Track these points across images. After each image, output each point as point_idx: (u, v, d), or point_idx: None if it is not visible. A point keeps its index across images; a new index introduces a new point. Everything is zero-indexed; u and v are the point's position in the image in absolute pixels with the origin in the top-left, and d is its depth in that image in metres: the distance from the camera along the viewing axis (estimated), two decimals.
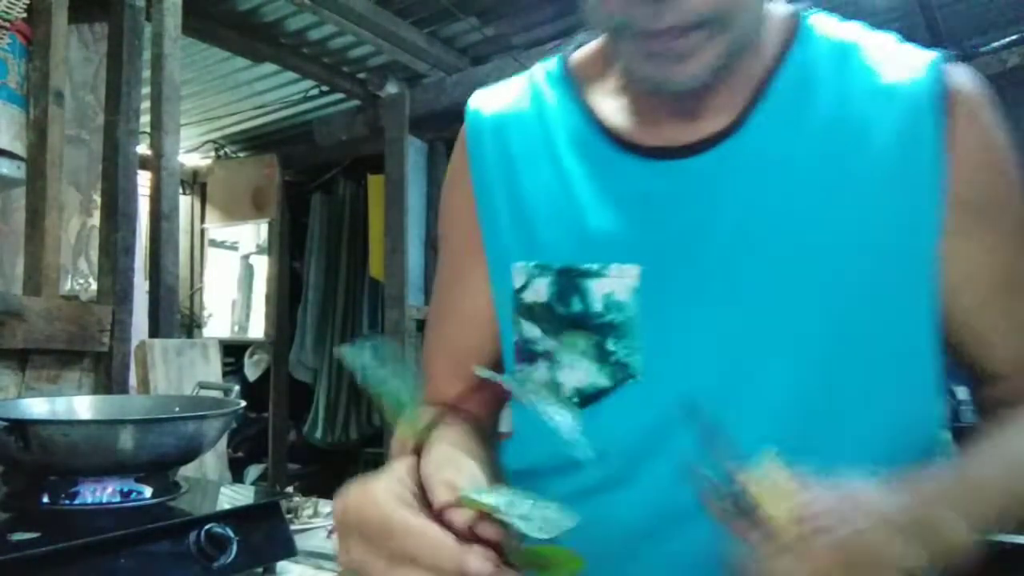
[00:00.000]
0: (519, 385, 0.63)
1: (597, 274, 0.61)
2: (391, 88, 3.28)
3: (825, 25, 0.65)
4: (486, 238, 0.69)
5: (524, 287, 0.65)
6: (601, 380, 0.61)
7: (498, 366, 0.70)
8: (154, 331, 1.73)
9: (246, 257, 4.48)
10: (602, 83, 0.68)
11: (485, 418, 0.73)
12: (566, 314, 0.62)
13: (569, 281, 0.62)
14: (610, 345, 0.60)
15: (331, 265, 4.30)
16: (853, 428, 0.57)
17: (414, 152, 3.42)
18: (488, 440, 0.66)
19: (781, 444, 0.56)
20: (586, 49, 0.72)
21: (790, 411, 0.57)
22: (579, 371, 0.62)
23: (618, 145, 0.64)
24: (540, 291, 0.64)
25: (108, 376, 1.56)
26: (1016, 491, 0.52)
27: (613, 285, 0.60)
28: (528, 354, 0.65)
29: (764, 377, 0.57)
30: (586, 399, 0.61)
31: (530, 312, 0.64)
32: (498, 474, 0.62)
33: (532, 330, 0.65)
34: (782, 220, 0.58)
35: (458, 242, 0.73)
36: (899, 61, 0.61)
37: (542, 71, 0.72)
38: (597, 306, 0.61)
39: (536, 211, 0.66)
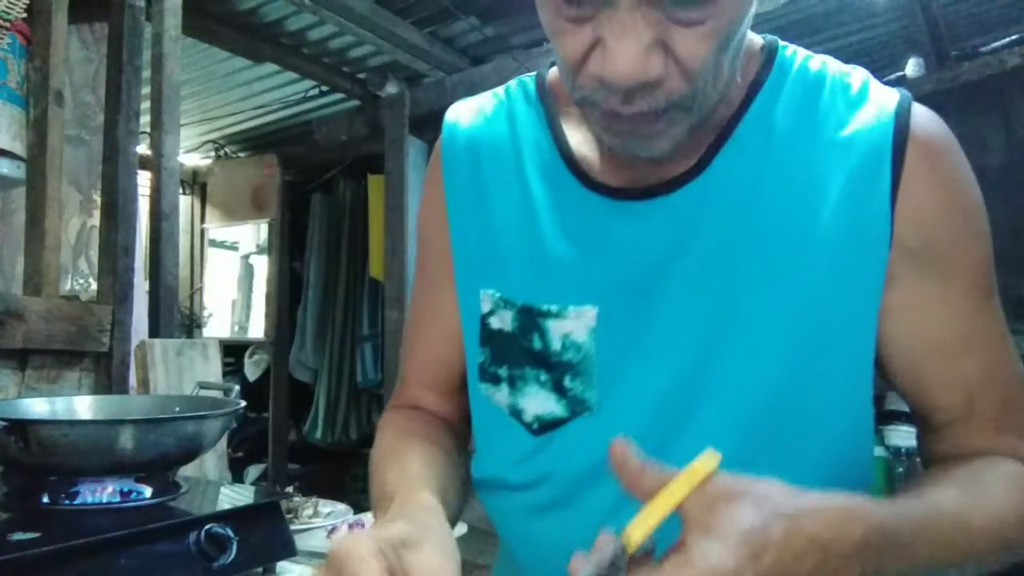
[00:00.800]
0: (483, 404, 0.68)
1: (556, 315, 0.63)
2: (391, 88, 3.28)
3: (795, 63, 0.64)
4: (456, 260, 0.70)
5: (491, 313, 0.67)
6: (559, 410, 0.63)
7: (466, 378, 0.72)
8: (154, 331, 1.73)
9: (246, 257, 4.48)
10: (574, 108, 0.69)
11: (456, 423, 0.76)
12: (528, 348, 0.65)
13: (530, 319, 0.64)
14: (567, 382, 0.63)
15: (331, 265, 4.30)
16: (792, 470, 0.58)
17: (414, 152, 3.42)
18: (452, 450, 0.70)
19: None
20: None
21: (734, 450, 0.58)
22: (539, 400, 0.64)
23: (584, 181, 0.64)
24: (505, 321, 0.66)
25: (108, 376, 1.56)
26: (936, 553, 0.51)
27: (571, 326, 0.63)
28: (492, 376, 0.67)
29: (712, 416, 0.59)
30: (544, 426, 0.64)
31: (495, 338, 0.67)
32: (459, 489, 0.66)
33: (497, 355, 0.67)
34: (738, 266, 0.59)
35: (432, 255, 0.74)
36: (861, 109, 0.60)
37: (520, 89, 0.73)
38: (556, 344, 0.63)
39: (504, 239, 0.67)
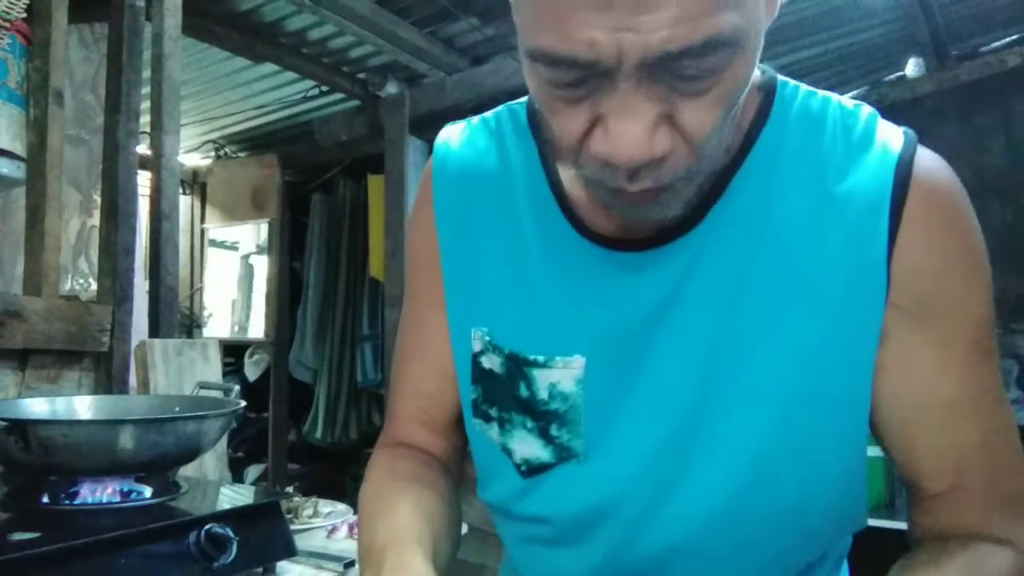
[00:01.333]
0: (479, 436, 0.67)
1: (543, 365, 0.62)
2: (391, 88, 3.28)
3: (796, 102, 0.61)
4: (448, 296, 0.68)
5: (482, 353, 0.65)
6: (545, 456, 0.63)
7: (460, 412, 0.71)
8: (154, 331, 1.73)
9: (246, 257, 4.48)
10: None
11: (449, 460, 0.74)
12: (514, 394, 0.63)
13: (516, 367, 0.63)
14: (553, 430, 0.62)
15: (331, 265, 4.30)
16: (784, 520, 0.58)
17: (414, 152, 3.42)
18: (445, 492, 0.68)
19: (711, 534, 0.58)
20: None
21: (722, 505, 0.58)
22: (525, 444, 0.63)
23: (578, 227, 0.62)
24: (495, 363, 0.65)
25: (108, 376, 1.56)
26: None
27: (558, 376, 0.61)
28: (484, 414, 0.66)
29: (705, 467, 0.58)
30: (531, 469, 0.64)
31: (487, 378, 0.65)
32: (452, 534, 0.65)
33: (488, 395, 0.66)
34: (732, 318, 0.57)
35: (423, 283, 0.72)
36: (862, 156, 0.58)
37: (510, 119, 0.69)
38: (543, 394, 0.62)
39: (493, 279, 0.65)
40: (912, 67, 2.80)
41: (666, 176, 0.50)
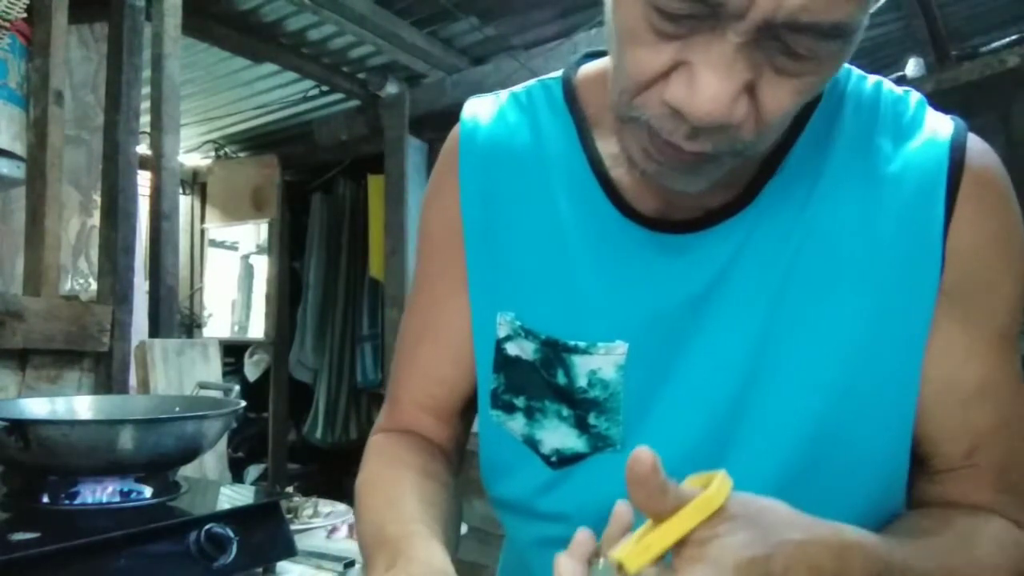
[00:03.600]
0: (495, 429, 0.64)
1: (584, 351, 0.59)
2: (391, 88, 3.28)
3: (848, 83, 0.60)
4: (472, 278, 0.65)
5: (508, 339, 0.62)
6: (579, 446, 0.60)
7: (471, 403, 0.68)
8: (154, 331, 1.73)
9: (246, 257, 4.48)
10: (609, 116, 0.61)
11: (451, 451, 0.71)
12: (550, 382, 0.61)
13: (554, 353, 0.60)
14: (591, 419, 0.59)
15: (331, 265, 4.30)
16: (827, 507, 0.56)
17: (414, 152, 3.42)
18: (448, 484, 0.65)
19: None
20: (592, 70, 0.65)
21: (769, 488, 0.55)
22: (558, 434, 0.61)
23: (620, 207, 0.60)
24: (525, 350, 0.62)
25: (108, 376, 1.56)
26: None
27: (599, 362, 0.59)
28: (505, 404, 0.63)
29: (744, 457, 0.56)
30: (563, 460, 0.61)
31: (512, 365, 0.62)
32: (456, 526, 0.62)
33: (513, 384, 0.62)
34: (779, 304, 0.56)
35: (439, 264, 0.68)
36: (914, 139, 0.57)
37: (543, 93, 0.66)
38: (581, 381, 0.59)
39: (526, 262, 0.62)
40: (912, 67, 2.80)
41: (723, 144, 0.48)
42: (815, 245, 0.56)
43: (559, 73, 0.67)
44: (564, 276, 0.61)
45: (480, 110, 0.68)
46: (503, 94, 0.69)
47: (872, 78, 0.61)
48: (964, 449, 0.58)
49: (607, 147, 0.61)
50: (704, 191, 0.54)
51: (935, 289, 0.55)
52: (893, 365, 0.56)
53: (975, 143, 0.57)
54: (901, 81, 2.78)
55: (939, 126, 0.58)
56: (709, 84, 0.44)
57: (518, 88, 0.68)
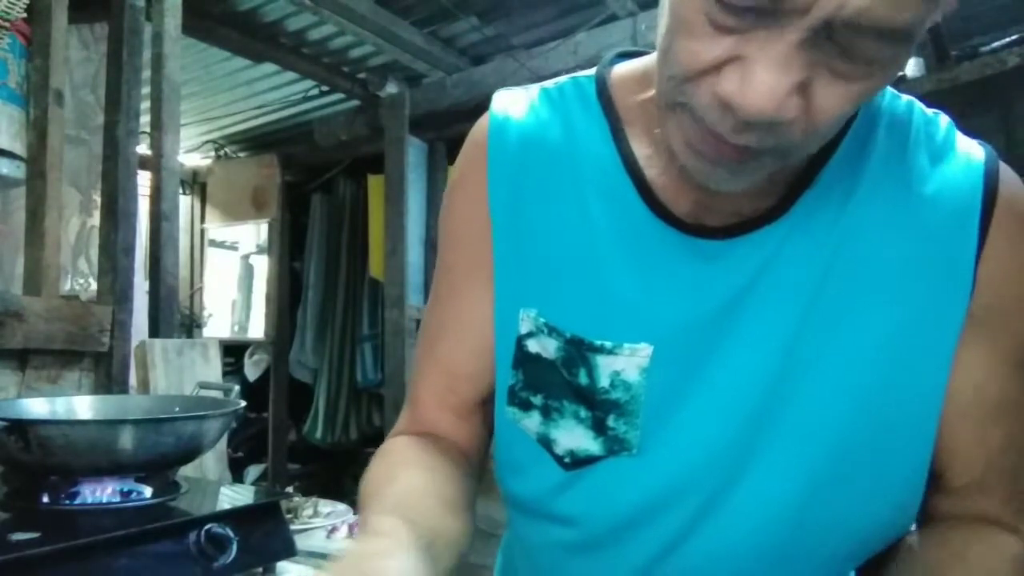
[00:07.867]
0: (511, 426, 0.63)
1: (609, 351, 0.59)
2: (391, 88, 3.28)
3: (883, 104, 0.60)
4: (498, 272, 0.64)
5: (529, 335, 0.62)
6: (594, 448, 0.60)
7: (491, 397, 0.67)
8: (154, 331, 1.73)
9: (246, 257, 4.49)
10: (642, 117, 0.61)
11: (472, 451, 0.69)
12: (571, 381, 0.60)
13: (578, 352, 0.59)
14: (610, 421, 0.59)
15: (331, 265, 4.31)
16: (847, 520, 0.57)
17: (414, 152, 3.42)
18: (463, 479, 0.63)
19: (769, 532, 0.56)
20: (625, 70, 0.65)
21: (784, 502, 0.56)
22: (574, 435, 0.60)
23: (653, 209, 0.59)
24: (547, 348, 0.61)
25: (108, 376, 1.56)
26: None
27: (623, 364, 0.58)
28: (522, 401, 0.62)
29: (766, 467, 0.56)
30: (576, 461, 0.60)
31: (531, 363, 0.62)
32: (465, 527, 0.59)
33: (531, 381, 0.62)
34: (809, 314, 0.56)
35: (462, 258, 0.67)
36: (946, 162, 0.58)
37: (575, 90, 0.65)
38: (603, 382, 0.59)
39: (553, 259, 0.61)
40: (912, 67, 2.80)
41: (768, 142, 0.47)
42: (847, 258, 0.56)
43: (592, 71, 0.66)
44: (593, 275, 0.60)
45: (511, 104, 0.67)
46: (533, 89, 0.68)
47: (905, 97, 0.61)
48: (978, 466, 0.58)
49: (641, 148, 0.61)
50: (740, 195, 0.54)
51: (964, 310, 0.56)
52: (919, 380, 0.56)
53: (1005, 170, 0.58)
54: (901, 81, 2.78)
55: (972, 150, 0.58)
56: (764, 80, 0.44)
57: (549, 84, 0.67)
